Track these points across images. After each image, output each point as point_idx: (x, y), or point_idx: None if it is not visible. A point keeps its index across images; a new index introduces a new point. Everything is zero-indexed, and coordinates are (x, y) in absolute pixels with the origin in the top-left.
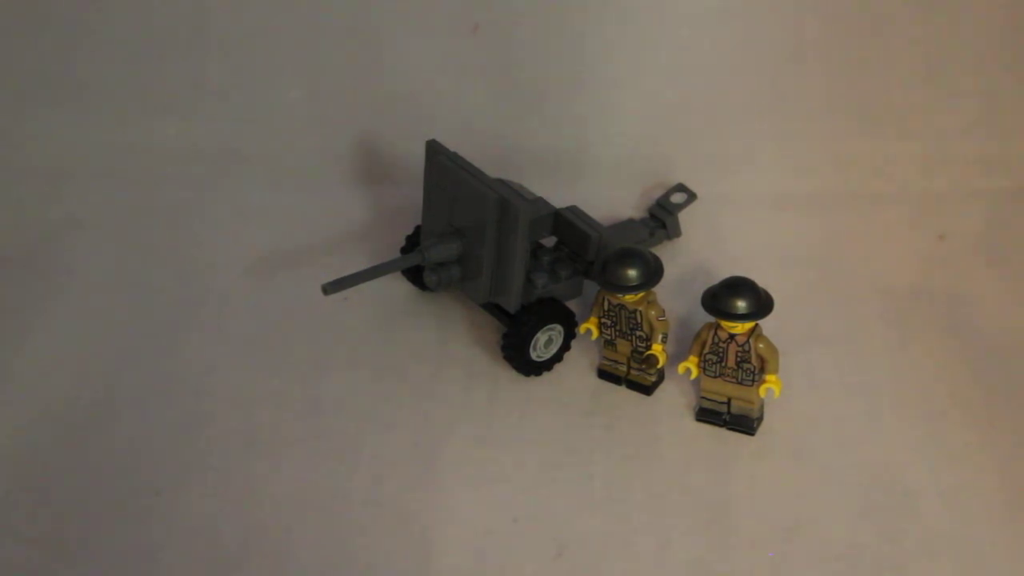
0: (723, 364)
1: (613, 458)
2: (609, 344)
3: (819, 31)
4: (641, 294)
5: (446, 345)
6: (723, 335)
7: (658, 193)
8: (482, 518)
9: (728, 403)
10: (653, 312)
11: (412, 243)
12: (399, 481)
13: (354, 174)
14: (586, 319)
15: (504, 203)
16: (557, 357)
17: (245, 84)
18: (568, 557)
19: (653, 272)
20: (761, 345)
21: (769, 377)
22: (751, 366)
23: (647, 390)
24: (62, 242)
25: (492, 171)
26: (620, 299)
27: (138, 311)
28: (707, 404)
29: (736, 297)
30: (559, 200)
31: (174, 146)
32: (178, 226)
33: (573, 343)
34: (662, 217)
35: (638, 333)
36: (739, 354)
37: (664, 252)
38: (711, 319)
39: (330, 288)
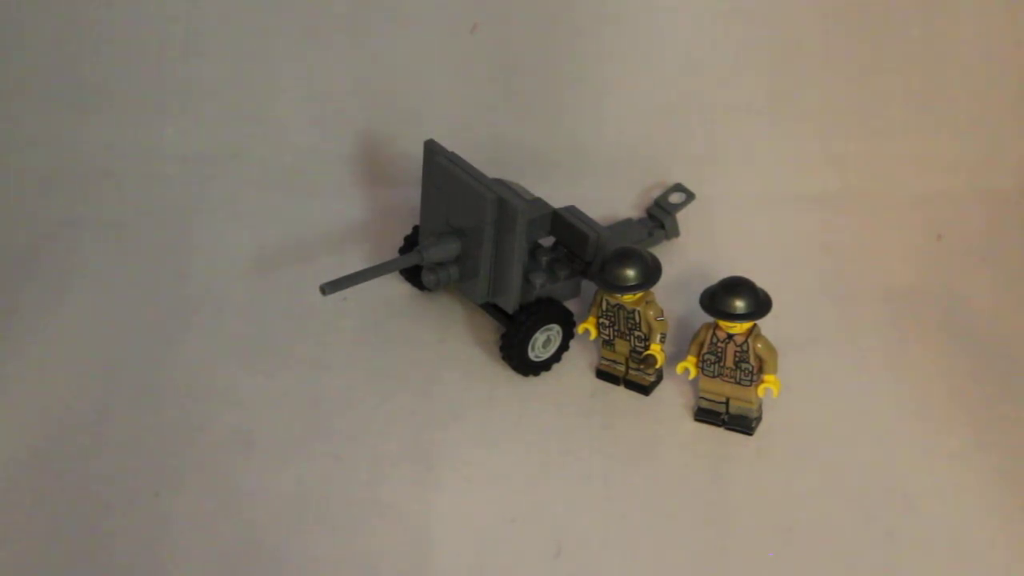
0: (721, 364)
1: (612, 458)
2: (607, 344)
3: (818, 31)
4: (639, 294)
5: (444, 345)
6: (721, 335)
7: (656, 193)
8: (481, 518)
9: (726, 403)
10: (651, 312)
11: (410, 243)
12: (398, 481)
13: (352, 174)
14: (584, 319)
15: (502, 203)
16: (555, 357)
17: (243, 84)
18: (567, 557)
19: (651, 272)
20: (759, 345)
21: (767, 377)
22: (749, 366)
23: (645, 390)
24: (61, 242)
25: (490, 171)
26: (618, 299)
27: (137, 311)
28: (705, 404)
29: (734, 297)
30: (557, 200)
31: (173, 146)
32: (177, 226)
33: (571, 343)
34: (660, 217)
35: (636, 333)
36: (737, 354)
37: (662, 252)
38: (709, 319)
39: (328, 288)
